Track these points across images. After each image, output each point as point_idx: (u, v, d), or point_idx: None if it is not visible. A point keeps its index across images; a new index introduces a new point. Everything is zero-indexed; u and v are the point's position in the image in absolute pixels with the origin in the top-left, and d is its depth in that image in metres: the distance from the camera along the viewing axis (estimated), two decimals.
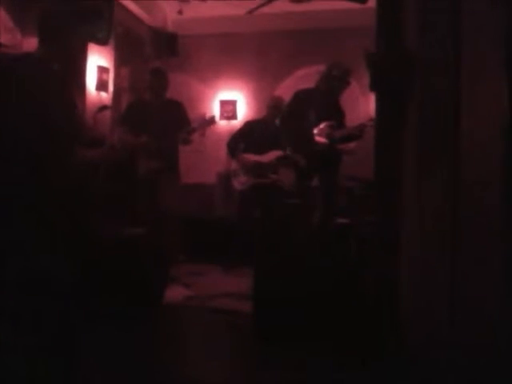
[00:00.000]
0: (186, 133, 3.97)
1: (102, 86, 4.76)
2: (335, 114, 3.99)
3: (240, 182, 4.52)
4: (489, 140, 2.06)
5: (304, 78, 5.73)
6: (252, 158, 4.47)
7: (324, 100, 3.92)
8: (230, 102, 6.05)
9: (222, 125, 5.79)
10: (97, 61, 4.71)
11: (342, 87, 3.97)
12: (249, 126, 4.69)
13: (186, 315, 3.12)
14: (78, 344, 2.32)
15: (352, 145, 3.95)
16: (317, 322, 2.52)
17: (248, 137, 4.55)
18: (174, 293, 3.39)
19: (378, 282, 2.43)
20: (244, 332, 2.71)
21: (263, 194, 4.43)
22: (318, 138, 3.89)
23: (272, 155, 4.45)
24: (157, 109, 3.98)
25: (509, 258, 1.97)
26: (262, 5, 4.81)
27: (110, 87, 4.95)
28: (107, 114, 4.29)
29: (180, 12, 5.43)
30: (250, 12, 5.26)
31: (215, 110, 6.06)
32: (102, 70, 4.76)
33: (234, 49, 5.85)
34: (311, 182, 3.90)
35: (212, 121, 4.13)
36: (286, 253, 2.85)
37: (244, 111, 6.02)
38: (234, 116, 6.02)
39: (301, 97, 3.97)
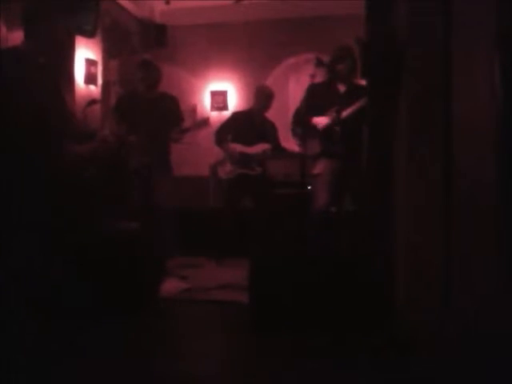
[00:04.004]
0: (178, 132, 3.91)
1: (90, 79, 4.71)
2: (355, 98, 3.56)
3: (225, 171, 4.55)
4: (480, 124, 2.06)
5: (294, 66, 5.72)
6: (239, 148, 4.50)
7: (337, 89, 3.73)
8: (220, 92, 6.02)
9: (213, 116, 5.74)
10: (84, 54, 4.65)
11: (354, 69, 3.71)
12: (236, 116, 4.69)
13: (183, 308, 3.12)
14: (73, 340, 2.32)
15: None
16: (314, 311, 2.52)
17: (235, 127, 4.55)
18: (170, 286, 3.39)
19: (373, 270, 2.44)
20: (241, 323, 2.71)
21: (249, 184, 4.45)
22: (320, 121, 3.65)
23: (259, 148, 4.48)
24: (149, 102, 3.90)
25: (503, 239, 1.98)
26: None
27: (99, 80, 4.90)
28: (97, 107, 4.24)
29: (168, 2, 5.38)
30: (238, 1, 5.22)
31: (206, 101, 6.04)
32: (90, 63, 4.70)
33: (223, 39, 5.81)
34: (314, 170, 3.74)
35: (205, 123, 4.09)
36: (282, 242, 2.85)
37: (235, 101, 6.00)
38: (224, 107, 5.99)
39: (312, 90, 3.74)
